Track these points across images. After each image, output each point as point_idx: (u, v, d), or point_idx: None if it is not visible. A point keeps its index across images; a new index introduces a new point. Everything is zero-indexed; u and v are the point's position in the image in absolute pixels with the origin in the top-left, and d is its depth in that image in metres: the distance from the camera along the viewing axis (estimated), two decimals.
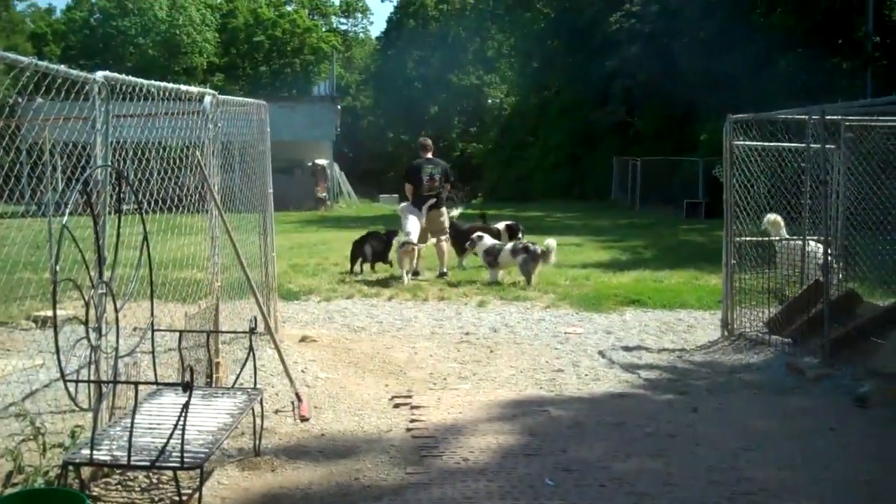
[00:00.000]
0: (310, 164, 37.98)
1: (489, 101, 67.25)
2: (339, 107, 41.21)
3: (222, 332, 7.22)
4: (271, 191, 9.60)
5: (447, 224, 14.82)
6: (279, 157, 32.80)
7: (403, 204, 14.78)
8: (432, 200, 14.40)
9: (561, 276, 14.31)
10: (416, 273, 14.27)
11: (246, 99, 9.14)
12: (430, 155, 14.74)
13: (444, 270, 14.45)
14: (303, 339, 9.58)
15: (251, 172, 9.01)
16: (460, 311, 11.82)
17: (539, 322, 11.11)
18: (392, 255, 14.55)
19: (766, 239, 10.16)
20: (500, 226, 16.18)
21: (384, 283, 13.66)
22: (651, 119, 40.24)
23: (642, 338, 10.30)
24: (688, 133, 37.29)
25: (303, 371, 8.16)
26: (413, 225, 13.92)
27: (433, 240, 14.64)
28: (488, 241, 14.07)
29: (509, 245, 13.86)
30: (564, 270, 15.08)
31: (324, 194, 37.32)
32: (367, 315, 11.47)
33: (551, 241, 13.95)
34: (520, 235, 15.91)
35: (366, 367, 8.70)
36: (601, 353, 9.43)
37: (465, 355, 9.29)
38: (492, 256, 13.79)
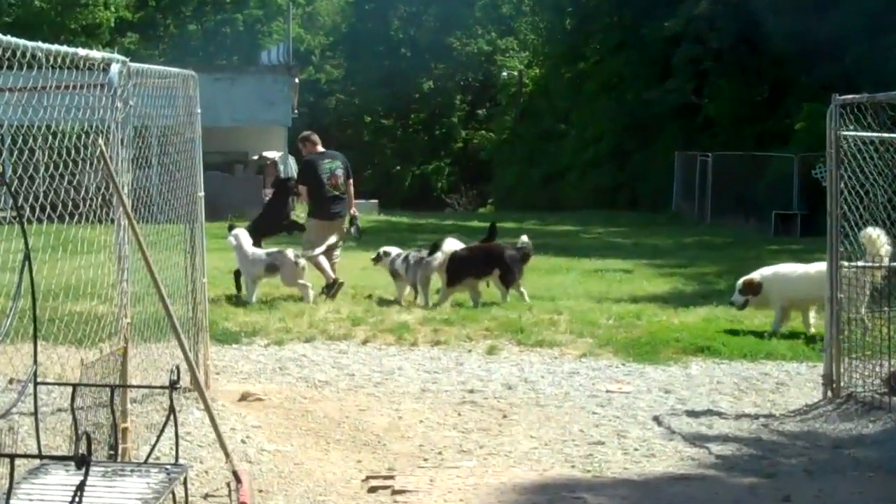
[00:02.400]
0: (256, 157, 38.01)
1: (504, 74, 67.53)
2: (296, 80, 41.22)
3: (132, 386, 7.21)
4: (202, 194, 9.61)
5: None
6: (215, 147, 32.77)
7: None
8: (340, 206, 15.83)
9: (601, 314, 14.30)
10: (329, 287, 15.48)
11: (169, 68, 9.16)
12: (320, 148, 16.04)
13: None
14: (244, 398, 9.56)
15: (175, 169, 9.02)
16: (462, 360, 11.81)
17: (571, 376, 11.09)
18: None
19: (890, 265, 10.17)
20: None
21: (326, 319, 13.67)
22: (727, 101, 40.39)
23: (714, 399, 10.28)
24: (777, 120, 37.45)
25: (243, 441, 8.14)
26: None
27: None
28: (394, 251, 15.92)
29: (403, 254, 15.41)
30: (607, 306, 15.08)
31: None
32: (332, 364, 11.46)
33: (450, 241, 15.51)
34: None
35: (330, 436, 8.68)
36: (657, 420, 9.41)
37: (469, 421, 9.27)
38: (395, 269, 15.64)
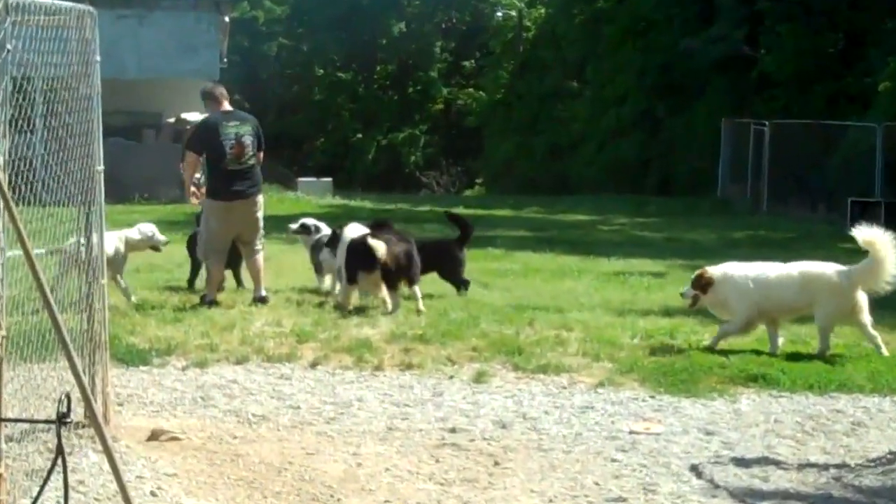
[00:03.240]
0: (173, 120, 37.95)
1: (498, 14, 67.65)
2: (226, 19, 41.19)
3: (8, 420, 7.18)
4: (102, 167, 9.56)
5: (262, 222, 16.15)
6: (119, 107, 32.54)
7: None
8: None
9: (624, 330, 14.32)
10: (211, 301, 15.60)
11: (59, 2, 9.12)
12: (227, 106, 16.01)
13: (263, 294, 15.93)
14: (155, 436, 9.52)
15: (66, 134, 8.98)
16: (441, 389, 11.81)
17: (583, 412, 11.09)
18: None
19: None
20: None
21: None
22: (789, 53, 40.42)
23: (770, 443, 10.29)
24: (855, 78, 37.52)
25: (154, 494, 8.11)
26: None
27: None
28: (324, 229, 16.97)
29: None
30: (631, 320, 15.08)
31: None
32: (271, 394, 11.44)
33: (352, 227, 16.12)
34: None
35: (268, 487, 8.65)
36: (696, 470, 9.40)
37: (450, 470, 9.26)
38: (319, 259, 16.74)
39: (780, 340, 13.56)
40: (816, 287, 13.28)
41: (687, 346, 13.66)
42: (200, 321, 14.40)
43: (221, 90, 16.19)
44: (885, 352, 13.20)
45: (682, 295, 14.29)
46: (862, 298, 13.19)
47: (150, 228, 15.77)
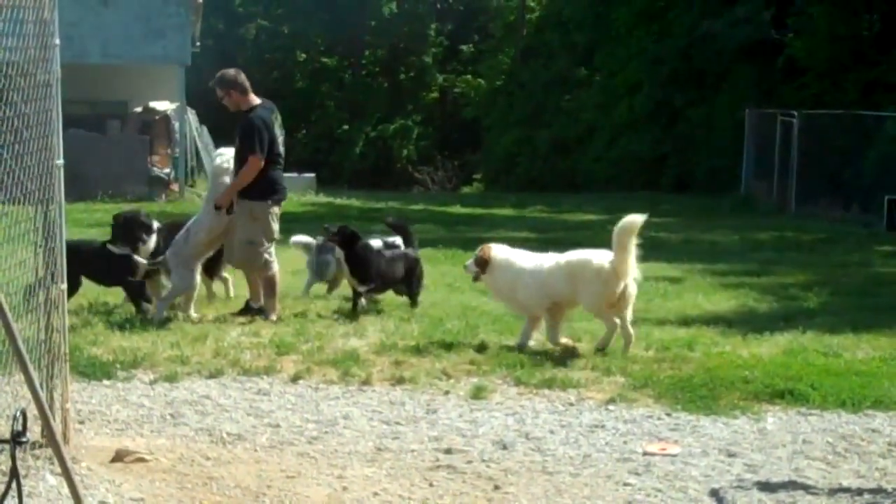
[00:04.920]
0: (140, 109, 37.92)
1: None
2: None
3: None
4: (62, 161, 9.56)
5: None
6: (80, 95, 32.50)
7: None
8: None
9: (638, 342, 14.30)
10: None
11: None
12: (257, 99, 15.52)
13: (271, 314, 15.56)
14: (119, 457, 9.50)
15: (22, 125, 8.98)
16: (435, 405, 11.81)
17: (592, 431, 11.09)
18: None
19: None
20: None
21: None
22: (820, 37, 40.41)
23: (798, 466, 10.28)
24: (893, 65, 37.49)
25: None
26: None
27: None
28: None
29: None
30: (645, 330, 15.09)
31: (167, 170, 37.21)
32: (248, 410, 11.44)
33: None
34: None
35: None
36: (716, 496, 9.40)
37: (445, 494, 9.25)
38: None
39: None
40: (580, 276, 13.76)
41: (707, 359, 13.66)
42: (170, 331, 14.39)
43: (244, 78, 15.49)
44: (631, 350, 13.83)
45: (465, 268, 14.98)
46: (631, 289, 13.81)
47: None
